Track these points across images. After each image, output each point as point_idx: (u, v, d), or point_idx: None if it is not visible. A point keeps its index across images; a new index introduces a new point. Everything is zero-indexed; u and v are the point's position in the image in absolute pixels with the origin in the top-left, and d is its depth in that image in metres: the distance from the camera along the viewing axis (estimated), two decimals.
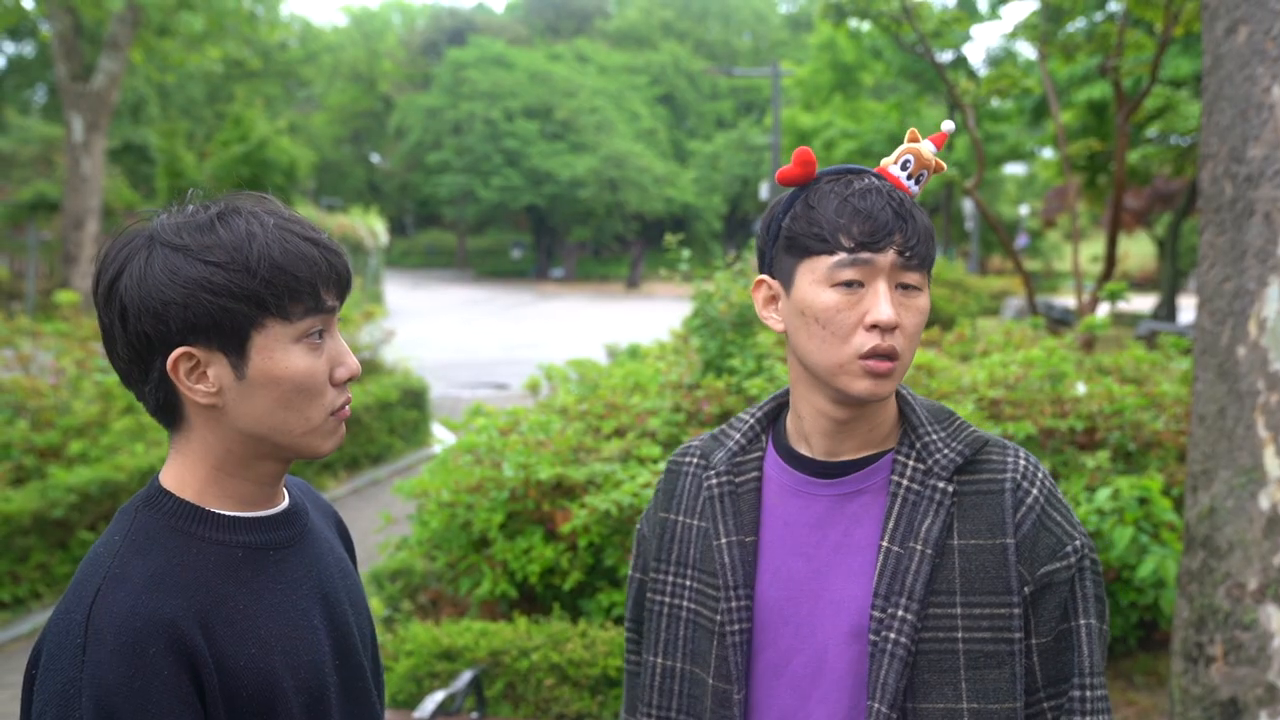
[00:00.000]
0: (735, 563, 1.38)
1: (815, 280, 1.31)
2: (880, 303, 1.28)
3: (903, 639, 1.29)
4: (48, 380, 7.50)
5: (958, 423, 1.41)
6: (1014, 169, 34.45)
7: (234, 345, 1.16)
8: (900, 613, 1.30)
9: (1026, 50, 21.22)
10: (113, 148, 26.58)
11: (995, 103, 24.18)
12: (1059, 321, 15.99)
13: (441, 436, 8.55)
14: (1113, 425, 4.83)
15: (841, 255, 1.29)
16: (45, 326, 9.49)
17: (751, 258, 6.46)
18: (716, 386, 5.14)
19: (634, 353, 8.19)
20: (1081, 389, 5.05)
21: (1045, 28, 10.19)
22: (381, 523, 4.94)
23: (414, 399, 10.61)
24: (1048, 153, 27.53)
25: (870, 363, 1.29)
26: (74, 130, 17.12)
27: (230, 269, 1.15)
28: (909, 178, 1.35)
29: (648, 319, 22.39)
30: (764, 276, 1.41)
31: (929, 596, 1.31)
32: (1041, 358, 5.13)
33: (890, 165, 1.36)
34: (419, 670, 3.93)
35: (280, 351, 1.17)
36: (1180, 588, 3.23)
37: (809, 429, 1.40)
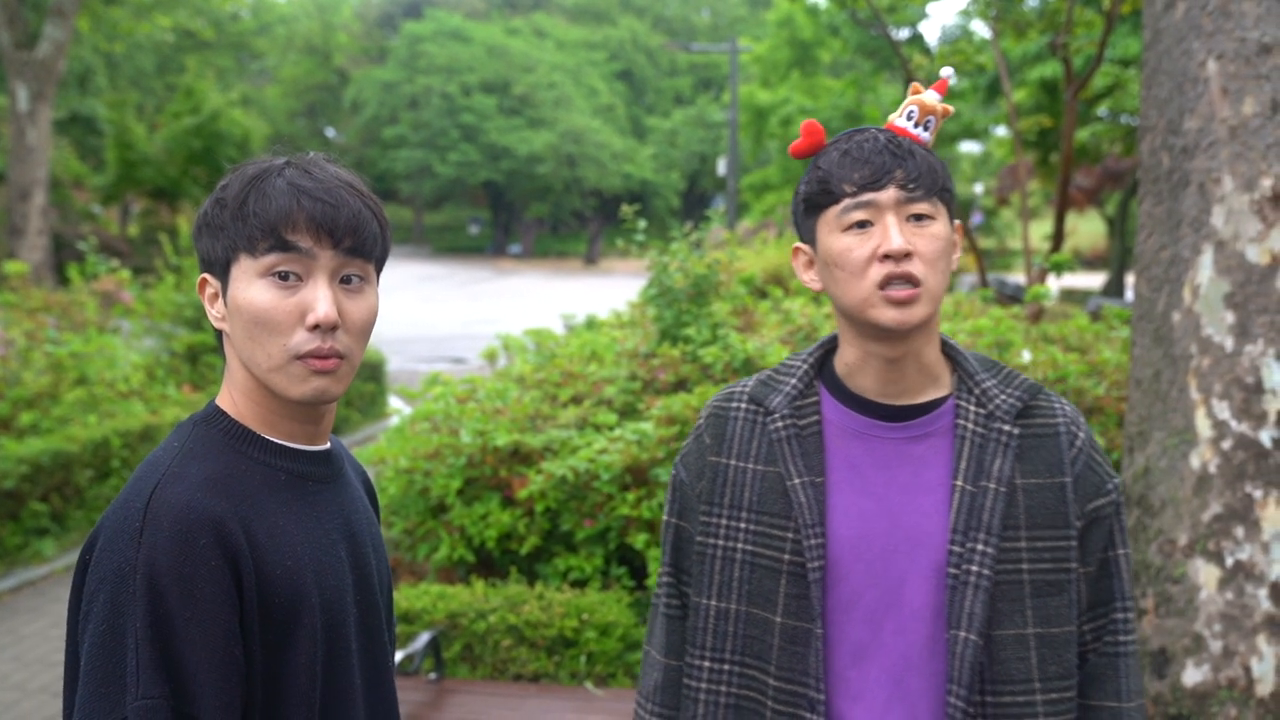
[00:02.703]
0: (810, 502, 1.42)
1: (830, 230, 1.40)
2: (890, 233, 1.35)
3: (985, 571, 1.37)
4: None
5: (1005, 370, 1.51)
6: (968, 147, 34.77)
7: (222, 274, 1.28)
8: (980, 547, 1.38)
9: (981, 29, 21.40)
10: (60, 118, 26.05)
11: (950, 80, 24.33)
12: (1011, 298, 16.20)
13: (399, 407, 8.57)
14: (1056, 391, 4.96)
15: (846, 201, 1.38)
16: None
17: (709, 230, 6.54)
18: (672, 355, 5.20)
19: (591, 324, 8.23)
20: (1027, 357, 5.17)
21: (998, 5, 10.31)
22: None
23: (370, 372, 10.58)
24: (1001, 131, 27.81)
25: (890, 291, 1.35)
26: (18, 99, 16.74)
27: (220, 206, 1.27)
28: (915, 126, 1.43)
29: (606, 295, 22.40)
30: (798, 244, 1.49)
31: (1002, 531, 1.39)
32: (989, 327, 5.24)
33: (896, 119, 1.45)
34: None
35: (244, 283, 1.25)
36: None
37: (861, 372, 1.46)
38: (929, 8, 28.59)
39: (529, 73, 46.13)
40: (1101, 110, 18.13)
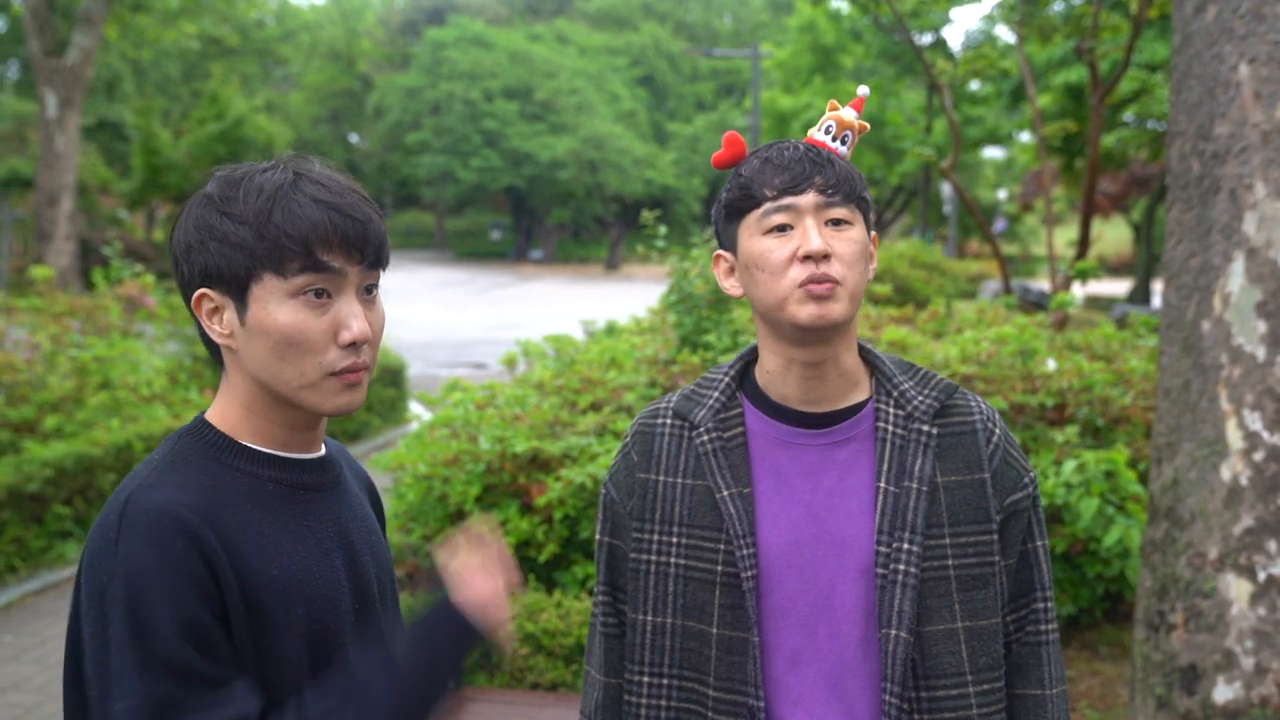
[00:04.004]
0: (740, 513, 1.44)
1: (751, 234, 1.44)
2: (809, 235, 1.39)
3: (912, 569, 1.41)
4: (22, 355, 7.46)
5: (922, 372, 1.54)
6: (992, 153, 34.62)
7: (237, 292, 1.24)
8: (906, 545, 1.41)
9: (1005, 34, 21.30)
10: (87, 125, 26.31)
11: (974, 85, 24.25)
12: (1035, 305, 16.09)
13: (419, 413, 8.58)
14: (1082, 401, 4.90)
15: (767, 205, 1.42)
16: (20, 302, 9.45)
17: None
18: (692, 362, 5.17)
19: (611, 330, 8.22)
20: (1052, 365, 5.11)
21: (1023, 10, 10.23)
22: None
23: (391, 377, 10.61)
24: (1025, 136, 27.67)
25: (809, 287, 1.38)
26: (48, 106, 16.92)
27: (234, 220, 1.22)
28: (834, 140, 1.49)
29: (627, 301, 22.41)
30: (719, 251, 1.53)
31: (926, 529, 1.42)
32: (1013, 334, 5.19)
33: (815, 133, 1.50)
34: None
35: (273, 304, 1.22)
36: (1144, 558, 3.29)
37: (783, 380, 1.48)
38: (952, 13, 28.50)
39: (551, 78, 46.24)
40: (1128, 115, 18.00)
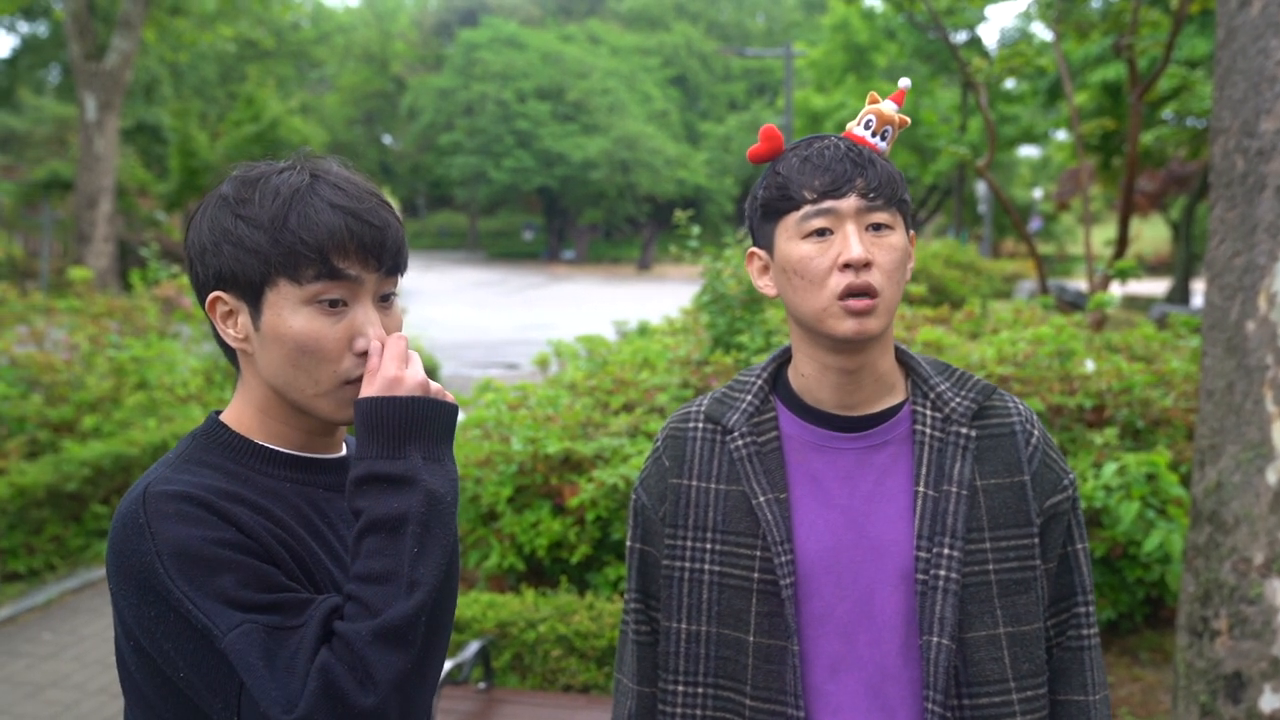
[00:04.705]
0: (777, 519, 1.41)
1: (789, 237, 1.40)
2: (850, 242, 1.35)
3: (953, 575, 1.37)
4: (61, 356, 7.56)
5: (959, 373, 1.51)
6: (1028, 151, 34.28)
7: (252, 297, 1.21)
8: (946, 550, 1.38)
9: (1042, 31, 21.08)
10: (126, 127, 26.65)
11: (1010, 83, 24.02)
12: (1072, 305, 15.90)
13: None
14: (1121, 403, 4.82)
15: (807, 208, 1.37)
16: (59, 303, 9.58)
17: None
18: (725, 362, 5.14)
19: (643, 330, 8.20)
20: (1090, 366, 5.03)
21: (1060, 6, 10.11)
22: None
23: None
24: (1061, 135, 27.39)
25: (849, 302, 1.35)
26: (87, 109, 17.15)
27: (249, 224, 1.19)
28: (873, 135, 1.44)
29: (659, 301, 22.39)
30: (754, 249, 1.49)
31: (967, 534, 1.39)
32: (1050, 335, 5.11)
33: (854, 127, 1.45)
34: None
35: (287, 311, 1.20)
36: (1186, 563, 3.23)
37: (818, 384, 1.45)
38: (987, 10, 28.27)
39: (583, 79, 46.29)
40: (1167, 113, 17.73)
